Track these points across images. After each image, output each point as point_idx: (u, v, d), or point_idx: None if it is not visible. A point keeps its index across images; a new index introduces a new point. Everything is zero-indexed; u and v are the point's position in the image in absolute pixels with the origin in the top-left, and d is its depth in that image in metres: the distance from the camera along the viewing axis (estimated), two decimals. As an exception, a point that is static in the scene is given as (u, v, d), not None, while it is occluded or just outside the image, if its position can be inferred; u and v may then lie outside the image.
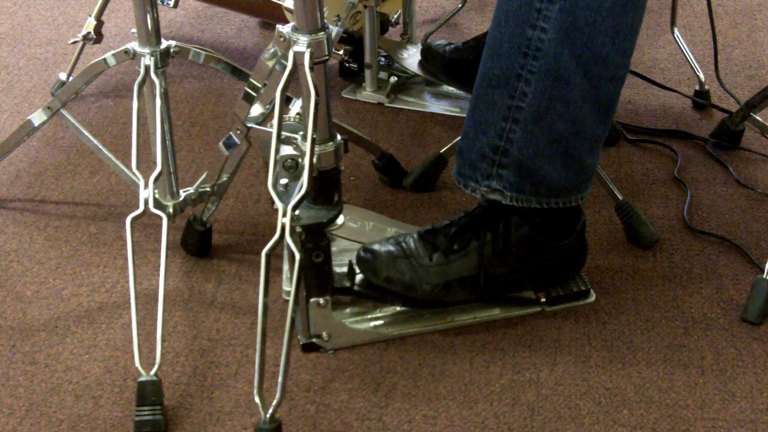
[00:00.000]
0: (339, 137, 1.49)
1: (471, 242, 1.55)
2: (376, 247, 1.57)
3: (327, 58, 1.43)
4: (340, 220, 1.57)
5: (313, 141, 1.41)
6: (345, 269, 1.57)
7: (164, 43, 1.60)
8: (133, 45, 1.59)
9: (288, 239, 1.37)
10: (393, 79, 2.17)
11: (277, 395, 1.35)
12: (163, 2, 2.21)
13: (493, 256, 1.55)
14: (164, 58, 1.60)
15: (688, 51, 2.22)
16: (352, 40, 2.15)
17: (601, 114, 1.50)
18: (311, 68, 1.40)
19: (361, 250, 1.57)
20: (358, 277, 1.57)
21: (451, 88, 2.17)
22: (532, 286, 1.61)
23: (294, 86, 1.43)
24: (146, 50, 1.58)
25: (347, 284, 1.56)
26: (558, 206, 1.54)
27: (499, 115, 1.49)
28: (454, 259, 1.55)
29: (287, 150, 1.48)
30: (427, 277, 1.55)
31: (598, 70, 1.45)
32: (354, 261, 1.57)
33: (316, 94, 1.39)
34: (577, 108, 1.47)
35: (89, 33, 2.06)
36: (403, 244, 1.57)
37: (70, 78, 2.15)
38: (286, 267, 1.63)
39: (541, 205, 1.53)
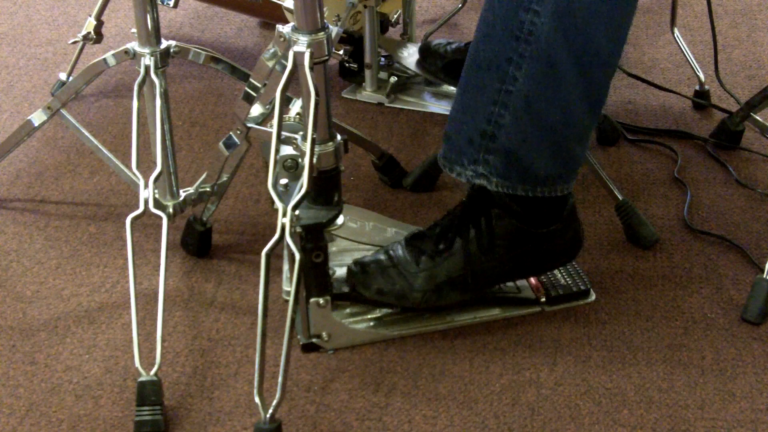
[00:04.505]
0: (339, 137, 1.49)
1: (455, 241, 1.54)
2: (366, 259, 1.57)
3: (327, 58, 1.43)
4: (340, 220, 1.57)
5: (313, 141, 1.41)
6: (344, 272, 1.57)
7: (164, 43, 1.60)
8: (133, 45, 1.59)
9: (288, 239, 1.37)
10: (393, 79, 2.17)
11: (277, 395, 1.35)
12: (163, 2, 2.21)
13: (480, 252, 1.54)
14: (164, 58, 1.59)
15: (688, 51, 2.22)
16: (352, 40, 2.15)
17: (591, 103, 1.48)
18: (311, 68, 1.40)
19: (352, 264, 1.57)
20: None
21: (451, 88, 2.17)
22: (525, 277, 1.61)
23: (294, 86, 1.43)
24: (146, 50, 1.58)
25: (346, 290, 1.56)
26: (543, 195, 1.52)
27: (489, 99, 1.46)
28: (440, 262, 1.54)
29: (287, 150, 1.48)
30: (417, 284, 1.54)
31: (590, 58, 1.43)
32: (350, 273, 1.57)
33: (316, 94, 1.39)
34: (567, 95, 1.45)
35: (89, 33, 2.06)
36: (392, 252, 1.57)
37: (70, 78, 2.15)
38: (286, 267, 1.63)
39: (526, 193, 1.50)
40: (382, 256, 1.57)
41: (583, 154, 1.55)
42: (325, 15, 1.41)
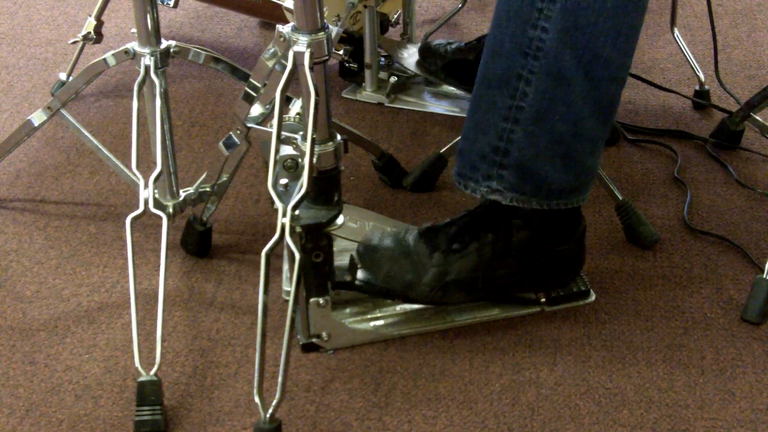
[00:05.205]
0: (339, 137, 1.49)
1: (471, 243, 1.55)
2: (377, 241, 1.57)
3: (327, 58, 1.43)
4: (340, 220, 1.57)
5: (313, 141, 1.41)
6: (346, 262, 1.57)
7: (164, 43, 1.60)
8: (133, 45, 1.59)
9: (288, 239, 1.37)
10: (393, 79, 2.17)
11: (277, 395, 1.35)
12: (163, 2, 2.21)
13: (493, 258, 1.55)
14: (164, 58, 1.60)
15: (688, 51, 2.22)
16: (352, 40, 2.15)
17: (602, 115, 1.50)
18: (311, 68, 1.40)
19: (359, 246, 1.57)
20: (359, 273, 1.57)
21: (451, 88, 2.17)
22: (530, 288, 1.61)
23: (294, 86, 1.43)
24: (146, 50, 1.58)
25: (348, 279, 1.55)
26: (558, 207, 1.53)
27: (500, 115, 1.48)
28: (453, 260, 1.55)
29: (287, 150, 1.48)
30: (426, 278, 1.54)
31: (599, 71, 1.45)
32: (355, 255, 1.57)
33: (316, 94, 1.39)
34: (578, 109, 1.47)
35: (89, 33, 2.06)
36: (404, 242, 1.57)
37: (70, 78, 2.15)
38: (286, 267, 1.63)
39: (542, 206, 1.52)
40: (394, 243, 1.57)
41: (596, 165, 1.57)
42: (325, 15, 1.41)
